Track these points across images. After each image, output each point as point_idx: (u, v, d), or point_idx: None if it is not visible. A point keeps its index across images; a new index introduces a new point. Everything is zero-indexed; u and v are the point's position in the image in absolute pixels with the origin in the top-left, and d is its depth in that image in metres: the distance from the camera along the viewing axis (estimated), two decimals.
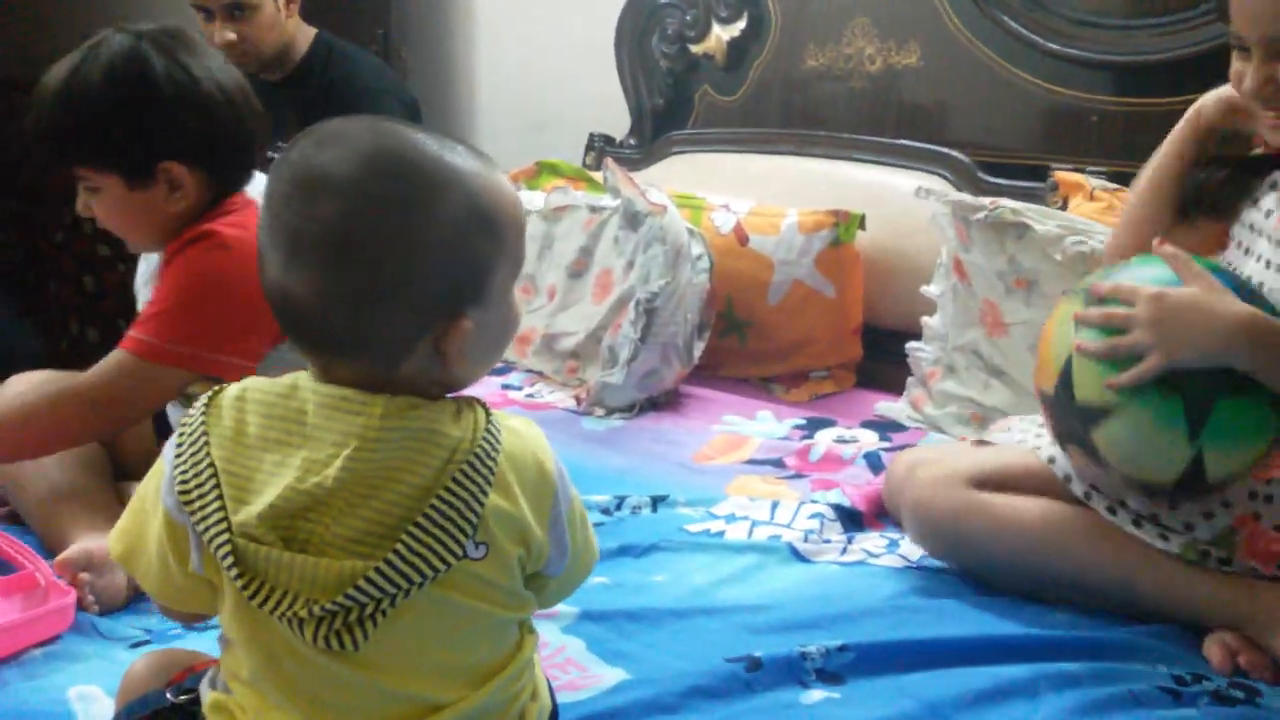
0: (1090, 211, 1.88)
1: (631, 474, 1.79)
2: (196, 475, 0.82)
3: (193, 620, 0.94)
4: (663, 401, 2.12)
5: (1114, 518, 1.33)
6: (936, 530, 1.42)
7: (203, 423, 0.84)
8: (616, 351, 2.08)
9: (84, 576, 1.31)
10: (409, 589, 0.81)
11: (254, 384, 0.86)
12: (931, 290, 1.99)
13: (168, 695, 0.94)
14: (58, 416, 1.42)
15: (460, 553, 0.82)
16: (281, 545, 0.81)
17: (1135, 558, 1.31)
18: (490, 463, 0.84)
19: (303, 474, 0.81)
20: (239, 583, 0.80)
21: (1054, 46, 2.09)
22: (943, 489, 1.40)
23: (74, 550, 1.32)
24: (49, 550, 1.42)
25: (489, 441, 0.84)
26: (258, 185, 1.49)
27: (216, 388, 0.86)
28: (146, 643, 1.26)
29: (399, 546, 0.80)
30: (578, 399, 2.13)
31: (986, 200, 1.90)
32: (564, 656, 1.24)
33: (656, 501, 1.66)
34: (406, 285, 0.82)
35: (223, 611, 0.86)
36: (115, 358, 1.42)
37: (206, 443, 0.83)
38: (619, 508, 1.65)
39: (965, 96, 2.24)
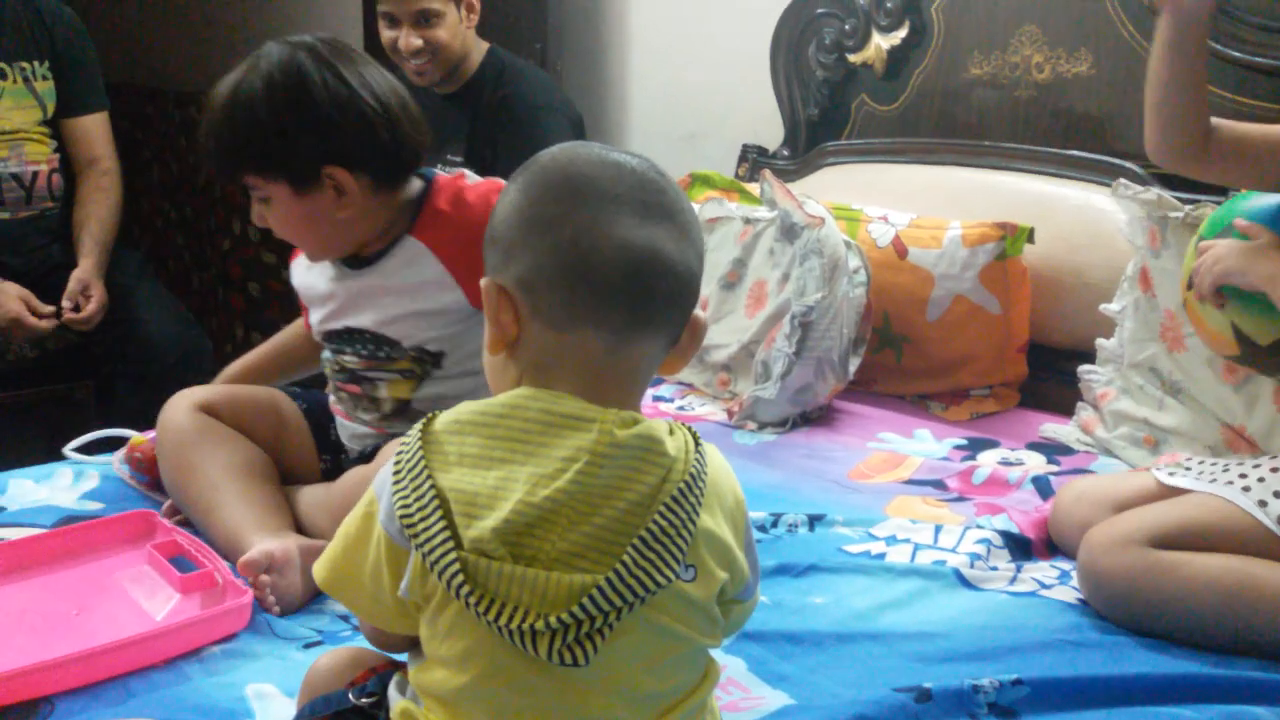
0: None
1: (785, 490, 1.76)
2: (419, 499, 0.83)
3: (398, 649, 0.95)
4: (815, 417, 2.09)
5: None
6: (1111, 597, 1.35)
7: (420, 449, 0.85)
8: (770, 365, 2.06)
9: (265, 578, 1.34)
10: (633, 603, 0.81)
11: (466, 408, 0.87)
12: (1112, 307, 1.90)
13: (350, 696, 0.95)
14: None
15: (676, 571, 0.82)
16: (511, 560, 0.82)
17: None
18: (701, 484, 0.85)
19: (532, 488, 0.81)
20: (471, 598, 0.81)
21: (1238, 55, 1.99)
22: (1116, 553, 1.34)
23: (256, 552, 1.36)
24: (222, 555, 1.45)
25: (699, 463, 0.85)
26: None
27: (428, 415, 0.88)
28: (319, 643, 1.30)
29: (625, 558, 0.81)
30: (729, 412, 2.11)
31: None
32: (725, 676, 1.22)
33: (814, 520, 1.62)
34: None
35: (431, 630, 0.87)
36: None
37: (426, 467, 0.84)
38: (775, 525, 1.62)
39: (1140, 106, 2.14)
